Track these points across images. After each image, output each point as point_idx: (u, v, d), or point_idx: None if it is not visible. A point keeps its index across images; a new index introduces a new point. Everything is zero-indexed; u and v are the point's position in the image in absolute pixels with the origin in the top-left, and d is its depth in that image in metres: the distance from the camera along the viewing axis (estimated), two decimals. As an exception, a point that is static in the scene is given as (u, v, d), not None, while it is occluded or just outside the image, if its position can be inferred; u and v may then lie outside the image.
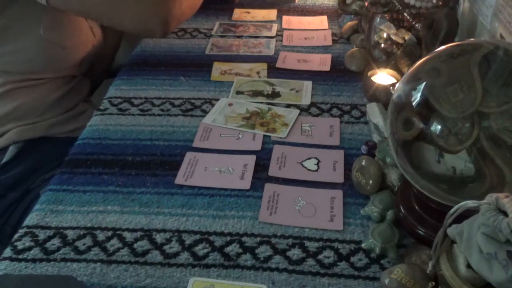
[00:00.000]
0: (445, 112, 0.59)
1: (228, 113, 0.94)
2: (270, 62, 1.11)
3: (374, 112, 0.86)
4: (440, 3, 0.94)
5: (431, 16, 0.89)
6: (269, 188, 0.77)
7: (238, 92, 1.01)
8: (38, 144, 1.05)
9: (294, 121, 0.91)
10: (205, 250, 0.67)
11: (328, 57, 1.13)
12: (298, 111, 0.94)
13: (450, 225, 0.52)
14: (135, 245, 0.68)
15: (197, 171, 0.81)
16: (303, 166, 0.81)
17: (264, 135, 0.88)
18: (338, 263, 0.65)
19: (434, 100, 0.60)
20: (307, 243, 0.68)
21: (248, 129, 0.90)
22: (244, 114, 0.94)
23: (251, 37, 1.23)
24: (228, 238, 0.69)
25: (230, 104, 0.97)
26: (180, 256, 0.67)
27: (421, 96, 0.62)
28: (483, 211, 0.47)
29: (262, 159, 0.83)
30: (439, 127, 0.60)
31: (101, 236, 0.70)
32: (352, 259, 0.66)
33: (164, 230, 0.70)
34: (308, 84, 1.03)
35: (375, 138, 0.84)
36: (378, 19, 0.99)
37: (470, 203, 0.49)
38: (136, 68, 1.10)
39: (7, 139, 1.01)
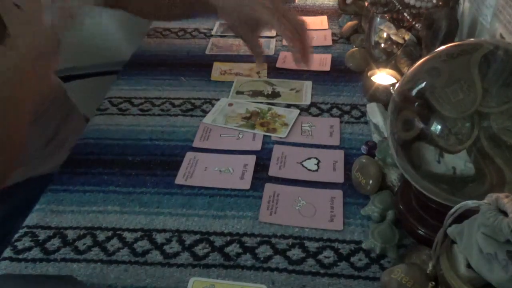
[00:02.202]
0: (445, 112, 0.59)
1: (228, 113, 0.94)
2: (270, 62, 1.11)
3: (374, 112, 0.86)
4: (440, 3, 0.94)
5: (431, 16, 0.89)
6: (269, 188, 0.77)
7: (238, 92, 1.01)
8: (14, 190, 0.89)
9: (294, 121, 0.92)
10: (205, 250, 0.67)
11: (328, 57, 1.13)
12: (298, 111, 0.94)
13: (450, 225, 0.52)
14: (135, 245, 0.68)
15: (197, 171, 0.81)
16: (303, 166, 0.81)
17: (264, 135, 0.88)
18: (338, 263, 0.65)
19: (434, 100, 0.60)
20: (307, 243, 0.68)
21: (248, 129, 0.90)
22: (244, 114, 0.94)
23: (251, 37, 1.23)
24: (228, 238, 0.69)
25: (230, 104, 0.96)
26: (180, 256, 0.67)
27: (421, 96, 0.62)
28: (483, 211, 0.47)
29: (262, 159, 0.83)
30: (439, 127, 0.60)
31: (101, 236, 0.70)
32: (352, 259, 0.66)
33: (164, 230, 0.70)
34: (308, 84, 1.03)
35: (375, 138, 0.84)
36: (378, 19, 0.99)
37: (470, 203, 0.49)
38: (136, 68, 1.10)
39: None
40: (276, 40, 1.21)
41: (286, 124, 0.91)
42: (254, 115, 0.93)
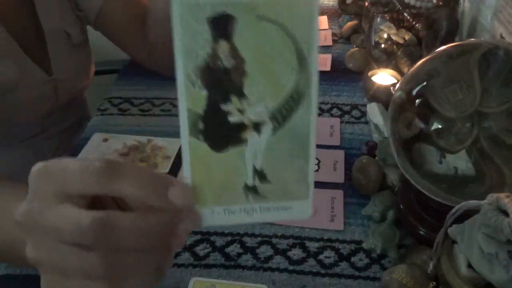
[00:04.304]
0: (445, 112, 0.59)
1: (103, 150, 0.84)
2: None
3: (374, 112, 0.86)
4: (440, 3, 0.94)
5: (431, 16, 0.90)
6: (269, 188, 0.77)
7: None
8: None
9: (176, 153, 0.83)
10: (206, 250, 0.67)
11: (328, 57, 1.13)
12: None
13: (451, 225, 0.52)
14: (135, 245, 0.68)
15: (197, 171, 0.80)
16: (303, 166, 0.81)
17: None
18: (339, 263, 0.65)
19: (434, 100, 0.60)
20: (307, 243, 0.68)
21: None
22: (121, 150, 0.84)
23: (251, 37, 1.23)
24: (229, 238, 0.69)
25: (105, 140, 0.87)
26: (181, 256, 0.67)
27: (421, 96, 0.62)
28: (484, 211, 0.48)
29: (263, 159, 0.83)
30: (439, 127, 0.60)
31: (101, 236, 0.70)
32: (353, 259, 0.66)
33: (165, 230, 0.70)
34: None
35: (376, 138, 0.84)
36: (378, 19, 0.99)
37: (471, 203, 0.49)
38: (136, 68, 1.10)
39: None
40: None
41: (167, 157, 0.83)
42: (132, 150, 0.84)
